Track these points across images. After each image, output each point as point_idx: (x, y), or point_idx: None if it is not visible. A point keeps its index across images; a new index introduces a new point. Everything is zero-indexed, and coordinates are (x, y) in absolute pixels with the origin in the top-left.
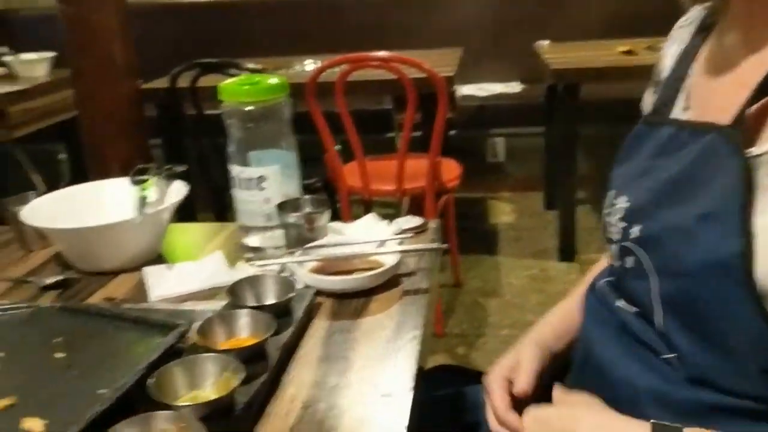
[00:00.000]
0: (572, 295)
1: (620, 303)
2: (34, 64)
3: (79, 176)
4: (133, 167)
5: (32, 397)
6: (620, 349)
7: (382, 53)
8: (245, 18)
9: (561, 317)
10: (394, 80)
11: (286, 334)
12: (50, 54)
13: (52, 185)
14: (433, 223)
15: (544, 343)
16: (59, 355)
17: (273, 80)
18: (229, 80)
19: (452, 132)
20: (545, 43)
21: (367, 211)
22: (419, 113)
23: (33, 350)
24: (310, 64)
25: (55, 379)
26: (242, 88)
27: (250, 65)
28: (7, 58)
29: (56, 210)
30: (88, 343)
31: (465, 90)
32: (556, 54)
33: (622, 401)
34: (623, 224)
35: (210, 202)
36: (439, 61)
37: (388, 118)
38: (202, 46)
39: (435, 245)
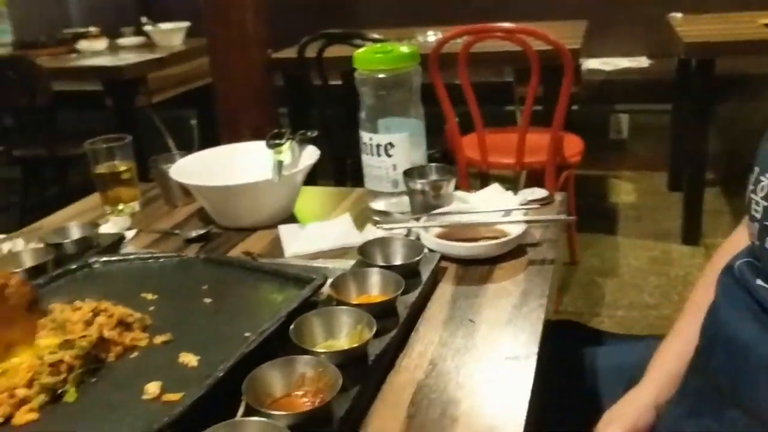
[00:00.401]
0: (685, 319)
1: (760, 282)
2: (171, 34)
3: (208, 141)
4: (262, 133)
5: (186, 335)
6: (758, 329)
7: (506, 24)
8: None
9: (677, 359)
10: (517, 52)
11: (414, 294)
12: (185, 24)
13: (184, 149)
14: (558, 196)
15: (652, 401)
16: (207, 300)
17: (404, 49)
18: (363, 49)
19: (574, 107)
20: (678, 15)
21: (484, 183)
22: (541, 86)
23: (183, 295)
24: (431, 36)
25: (205, 321)
26: (375, 56)
27: (375, 36)
28: (148, 28)
29: (200, 169)
30: (231, 291)
31: (589, 64)
32: (691, 27)
33: (760, 380)
34: (766, 203)
35: (331, 170)
36: (564, 33)
37: (508, 90)
38: (328, 17)
39: (562, 216)
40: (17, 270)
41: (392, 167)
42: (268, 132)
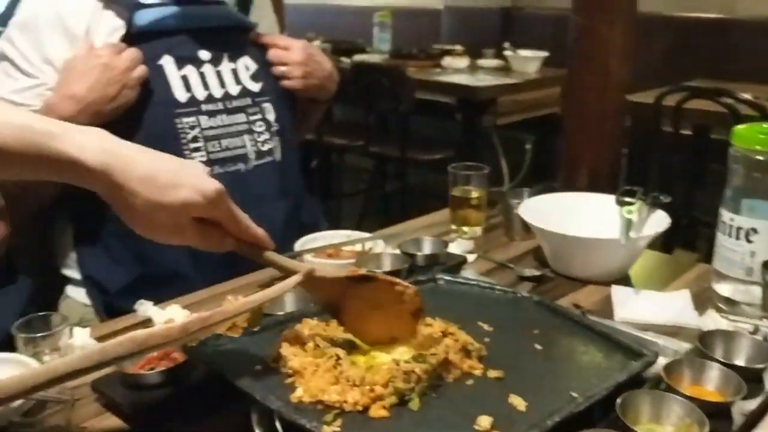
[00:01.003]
0: None
1: None
2: (528, 61)
3: (538, 167)
4: (599, 173)
5: (516, 376)
6: None
7: None
8: (737, 38)
9: None
10: None
11: (754, 402)
12: (543, 53)
13: (513, 171)
14: None
15: None
16: (537, 346)
17: None
18: (744, 126)
19: None
20: None
21: None
22: None
23: (516, 334)
24: None
25: (534, 367)
26: (758, 135)
27: (746, 96)
28: (507, 53)
29: (547, 211)
30: (560, 342)
31: None
32: None
33: None
34: None
35: None
36: None
37: None
38: (690, 65)
39: None
40: (380, 270)
41: (750, 254)
42: (605, 173)
